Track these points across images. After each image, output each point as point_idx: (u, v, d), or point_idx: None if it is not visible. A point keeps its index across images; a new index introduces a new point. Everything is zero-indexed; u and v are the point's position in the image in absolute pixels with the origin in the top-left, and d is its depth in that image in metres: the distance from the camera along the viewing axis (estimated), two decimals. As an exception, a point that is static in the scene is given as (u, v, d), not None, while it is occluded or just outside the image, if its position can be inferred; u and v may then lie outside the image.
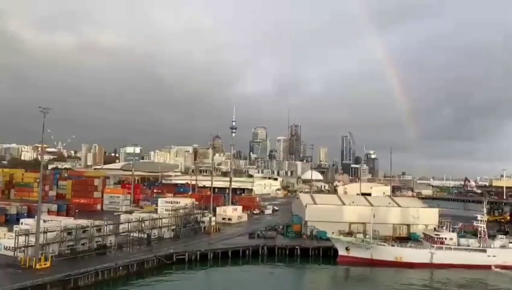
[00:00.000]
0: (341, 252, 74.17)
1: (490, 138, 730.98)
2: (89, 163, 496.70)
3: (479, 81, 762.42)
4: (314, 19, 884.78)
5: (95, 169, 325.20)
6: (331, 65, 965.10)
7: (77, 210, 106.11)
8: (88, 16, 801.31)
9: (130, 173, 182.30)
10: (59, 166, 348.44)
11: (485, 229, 75.06)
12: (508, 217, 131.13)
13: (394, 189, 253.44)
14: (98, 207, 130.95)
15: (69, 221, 73.00)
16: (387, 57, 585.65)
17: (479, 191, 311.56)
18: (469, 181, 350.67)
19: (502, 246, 73.51)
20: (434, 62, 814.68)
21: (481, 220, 75.15)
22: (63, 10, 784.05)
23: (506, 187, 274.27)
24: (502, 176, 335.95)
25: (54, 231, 63.01)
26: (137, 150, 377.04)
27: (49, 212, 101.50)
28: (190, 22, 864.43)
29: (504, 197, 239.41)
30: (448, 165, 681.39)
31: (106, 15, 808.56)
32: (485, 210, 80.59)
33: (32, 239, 58.80)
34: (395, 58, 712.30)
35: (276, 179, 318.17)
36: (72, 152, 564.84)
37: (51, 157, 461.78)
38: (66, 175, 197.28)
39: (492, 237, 77.01)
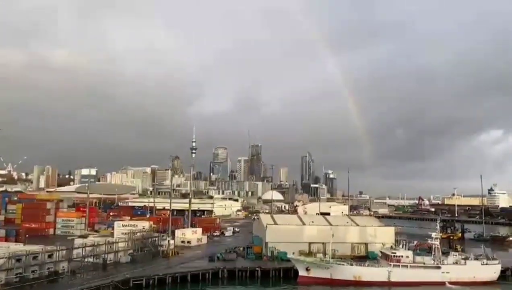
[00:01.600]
0: (301, 272, 74.26)
1: (441, 157, 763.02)
2: (41, 185, 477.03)
3: (430, 102, 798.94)
4: (273, 41, 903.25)
5: (48, 191, 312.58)
6: (289, 85, 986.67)
7: (27, 235, 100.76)
8: (40, 33, 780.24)
9: (85, 195, 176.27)
10: (9, 189, 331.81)
11: (439, 247, 77.54)
12: (460, 234, 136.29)
13: (352, 208, 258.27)
14: (51, 231, 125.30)
15: (18, 247, 69.19)
16: (343, 79, 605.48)
17: (432, 209, 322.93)
18: (423, 200, 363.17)
19: (455, 263, 76.02)
20: (387, 84, 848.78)
21: (435, 238, 77.66)
22: (14, 26, 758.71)
23: (458, 205, 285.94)
24: (453, 194, 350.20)
25: (2, 258, 59.54)
26: (93, 171, 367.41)
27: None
28: (148, 41, 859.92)
29: (456, 215, 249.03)
30: (403, 184, 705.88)
31: (59, 33, 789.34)
32: (438, 228, 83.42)
33: (-24, 267, 55.29)
34: (350, 80, 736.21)
35: (236, 200, 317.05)
36: (23, 174, 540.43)
37: (0, 179, 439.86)
38: (15, 198, 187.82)
39: (445, 254, 79.55)
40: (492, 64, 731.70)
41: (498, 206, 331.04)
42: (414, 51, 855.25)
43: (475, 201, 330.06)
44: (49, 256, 66.04)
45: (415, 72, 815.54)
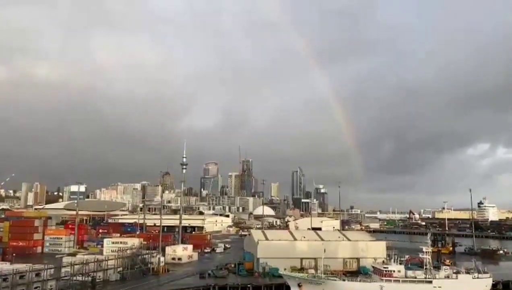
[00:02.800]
0: (293, 288, 73.60)
1: (430, 171, 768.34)
2: (29, 203, 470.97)
3: (417, 116, 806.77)
4: (262, 56, 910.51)
5: (36, 209, 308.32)
6: (279, 100, 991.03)
7: (14, 254, 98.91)
8: (27, 49, 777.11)
9: (74, 212, 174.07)
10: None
11: (430, 261, 77.51)
12: (451, 248, 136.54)
13: (344, 223, 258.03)
14: (39, 249, 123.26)
15: (5, 266, 67.89)
16: (332, 94, 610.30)
17: (423, 223, 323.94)
18: (413, 214, 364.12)
19: (447, 277, 75.93)
20: (374, 99, 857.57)
21: (426, 252, 77.65)
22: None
23: (448, 219, 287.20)
24: (443, 208, 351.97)
25: (-13, 278, 58.32)
26: (82, 188, 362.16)
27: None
28: (135, 57, 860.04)
29: (447, 229, 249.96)
30: (394, 198, 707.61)
31: (46, 49, 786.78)
32: (429, 242, 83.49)
33: (-39, 287, 54.02)
34: (339, 95, 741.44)
35: (227, 215, 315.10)
36: (11, 191, 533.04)
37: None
38: (3, 216, 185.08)
39: (437, 268, 79.51)
40: (477, 78, 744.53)
41: (488, 219, 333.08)
42: (401, 66, 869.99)
43: (465, 215, 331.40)
44: (37, 275, 64.80)
45: (402, 86, 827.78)
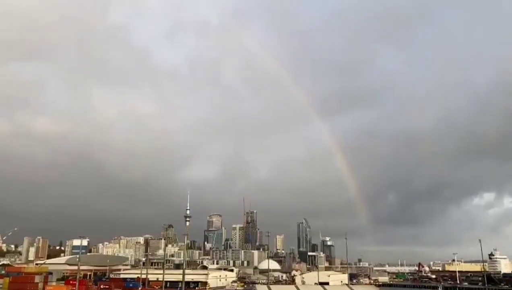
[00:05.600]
0: None
1: (436, 222, 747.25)
2: (31, 257, 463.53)
3: (419, 166, 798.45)
4: (262, 106, 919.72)
5: (37, 264, 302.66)
6: (281, 151, 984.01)
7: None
8: (27, 102, 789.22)
9: (75, 267, 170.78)
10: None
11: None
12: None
13: (352, 277, 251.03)
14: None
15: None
16: (333, 144, 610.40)
17: (433, 276, 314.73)
18: (423, 266, 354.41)
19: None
20: (376, 148, 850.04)
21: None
22: None
23: (459, 271, 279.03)
24: (453, 260, 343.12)
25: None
26: (84, 242, 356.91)
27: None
28: (136, 108, 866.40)
29: (458, 282, 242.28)
30: (402, 250, 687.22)
31: (44, 102, 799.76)
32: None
33: None
34: (340, 145, 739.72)
35: (232, 270, 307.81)
36: (13, 246, 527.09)
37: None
38: (3, 272, 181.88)
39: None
40: (478, 127, 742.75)
41: (500, 271, 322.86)
42: (401, 115, 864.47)
43: (476, 267, 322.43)
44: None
45: (403, 135, 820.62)
